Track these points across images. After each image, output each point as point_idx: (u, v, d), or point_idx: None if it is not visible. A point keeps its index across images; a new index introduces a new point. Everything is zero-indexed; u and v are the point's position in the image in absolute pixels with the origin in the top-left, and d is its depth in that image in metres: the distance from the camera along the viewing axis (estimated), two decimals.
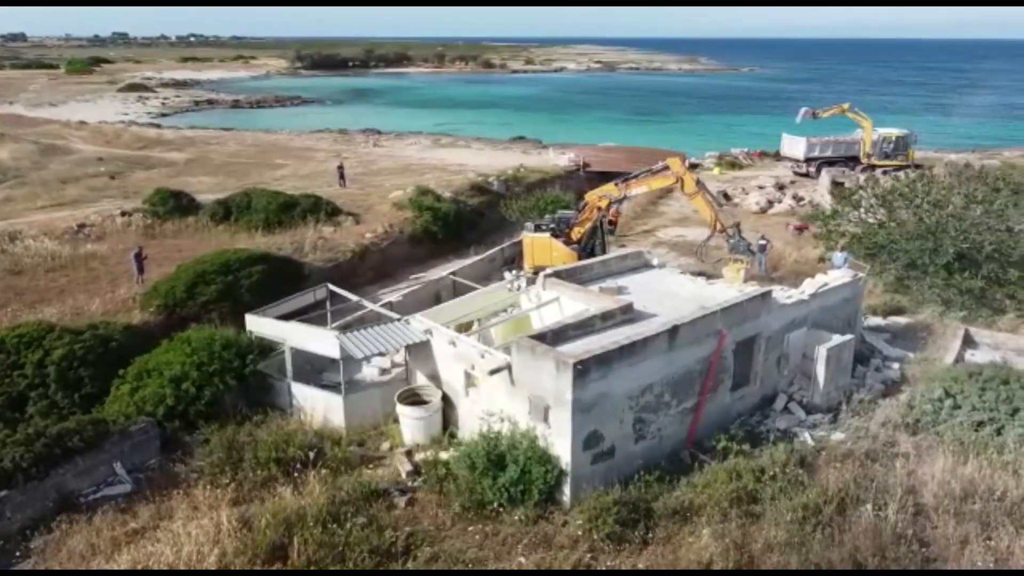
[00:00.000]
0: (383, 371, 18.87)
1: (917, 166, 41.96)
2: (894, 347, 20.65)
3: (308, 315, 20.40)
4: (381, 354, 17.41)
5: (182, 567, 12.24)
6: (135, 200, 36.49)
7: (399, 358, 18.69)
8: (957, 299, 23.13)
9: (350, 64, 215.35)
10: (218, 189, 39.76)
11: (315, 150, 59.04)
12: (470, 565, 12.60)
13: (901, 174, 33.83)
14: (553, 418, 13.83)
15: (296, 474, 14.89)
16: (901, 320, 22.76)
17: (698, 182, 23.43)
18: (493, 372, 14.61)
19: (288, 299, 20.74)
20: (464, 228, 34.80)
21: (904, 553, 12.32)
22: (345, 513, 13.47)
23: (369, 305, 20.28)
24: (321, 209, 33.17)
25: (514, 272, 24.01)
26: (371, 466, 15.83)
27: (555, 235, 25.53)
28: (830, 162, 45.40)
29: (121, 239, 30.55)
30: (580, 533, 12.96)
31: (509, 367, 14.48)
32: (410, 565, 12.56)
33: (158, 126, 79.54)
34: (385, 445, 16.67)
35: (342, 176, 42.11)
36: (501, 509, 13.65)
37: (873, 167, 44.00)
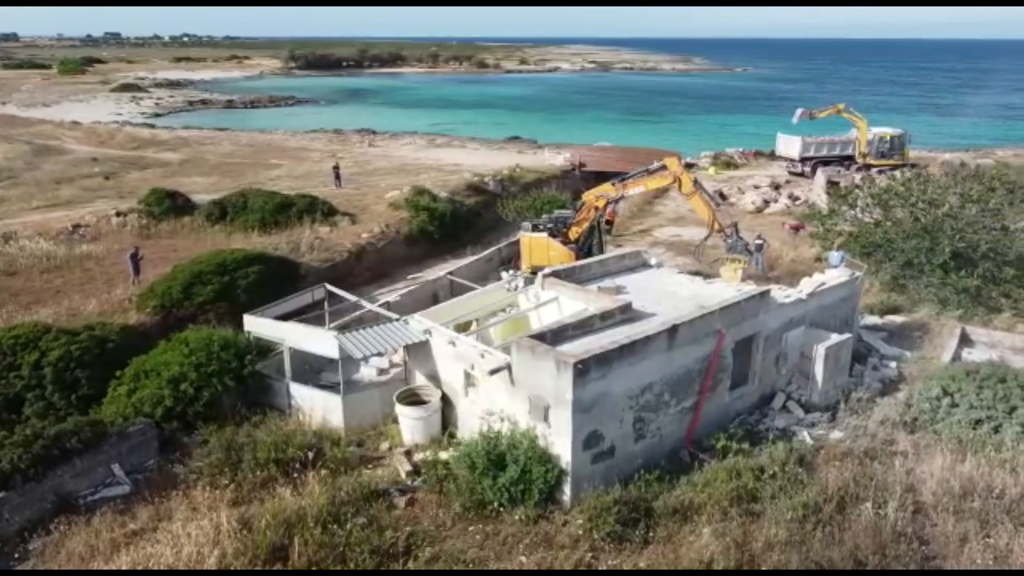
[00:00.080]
0: (381, 371, 18.83)
1: (912, 165, 42.11)
2: (891, 346, 20.71)
3: (306, 315, 20.37)
4: (379, 354, 17.39)
5: (182, 568, 12.18)
6: (130, 200, 36.40)
7: (397, 358, 18.66)
8: (953, 298, 23.21)
9: (344, 64, 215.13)
10: (213, 189, 39.67)
11: (310, 150, 58.94)
12: (471, 565, 12.58)
13: (897, 173, 33.94)
14: (553, 418, 13.82)
15: (295, 475, 14.84)
16: (898, 319, 22.82)
17: (695, 182, 23.47)
18: (493, 372, 14.60)
19: (286, 299, 20.71)
20: (460, 228, 34.79)
21: (904, 551, 12.35)
22: (345, 513, 13.44)
23: (367, 305, 20.25)
24: (317, 209, 33.15)
25: (511, 272, 24.02)
26: (370, 466, 15.80)
27: (552, 235, 25.52)
28: (825, 161, 45.54)
29: (116, 239, 30.49)
30: (581, 533, 12.95)
31: (509, 367, 14.46)
32: (411, 565, 12.54)
33: (152, 126, 79.29)
34: (384, 445, 16.64)
35: (338, 176, 42.06)
36: (501, 509, 13.63)
37: (868, 166, 44.15)
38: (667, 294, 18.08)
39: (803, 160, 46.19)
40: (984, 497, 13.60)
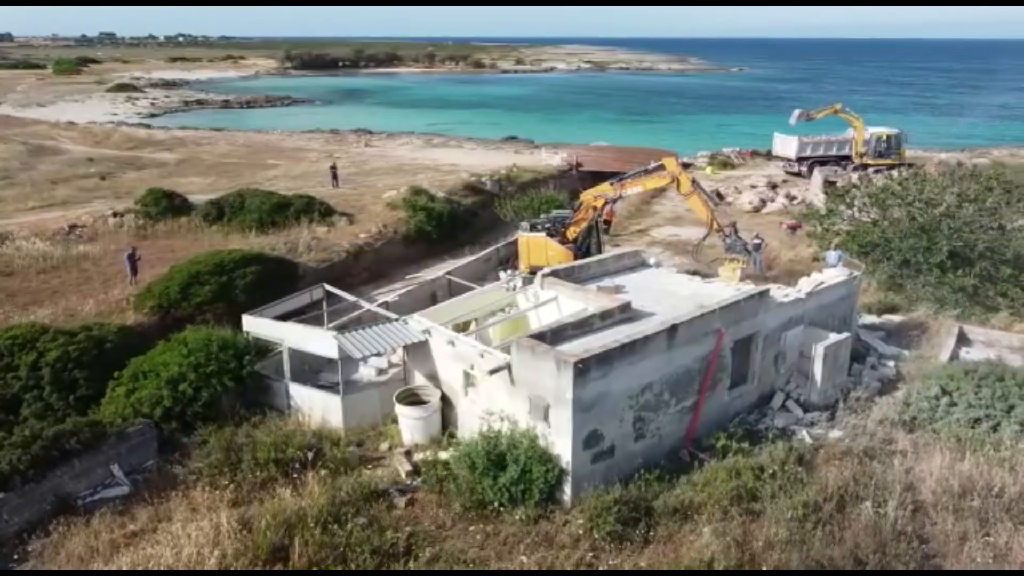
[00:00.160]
0: (380, 371, 18.81)
1: (909, 165, 42.22)
2: (889, 345, 20.75)
3: (304, 315, 20.35)
4: (378, 354, 17.37)
5: (182, 569, 12.16)
6: (127, 201, 36.33)
7: (396, 358, 18.65)
8: (950, 297, 23.29)
9: (340, 64, 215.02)
10: (210, 189, 39.61)
11: (307, 150, 58.87)
12: (471, 565, 12.57)
13: (895, 172, 34.03)
14: (553, 417, 13.82)
15: (295, 475, 14.82)
16: (895, 318, 22.87)
17: (694, 181, 23.50)
18: (493, 372, 14.59)
19: (285, 299, 20.68)
20: (458, 228, 34.77)
21: (904, 550, 12.36)
22: (345, 514, 13.44)
23: (366, 305, 20.23)
24: (315, 209, 33.11)
25: (509, 272, 24.03)
26: (370, 466, 15.78)
27: (551, 235, 25.53)
28: (822, 161, 45.64)
29: (113, 240, 30.41)
30: (581, 532, 12.95)
31: (509, 366, 14.46)
32: (411, 565, 12.53)
33: (148, 126, 79.15)
34: (384, 445, 16.62)
35: (335, 176, 42.01)
36: (502, 509, 13.63)
37: (865, 166, 44.28)
38: (666, 293, 18.09)
39: (800, 160, 46.30)
40: (983, 495, 13.62)
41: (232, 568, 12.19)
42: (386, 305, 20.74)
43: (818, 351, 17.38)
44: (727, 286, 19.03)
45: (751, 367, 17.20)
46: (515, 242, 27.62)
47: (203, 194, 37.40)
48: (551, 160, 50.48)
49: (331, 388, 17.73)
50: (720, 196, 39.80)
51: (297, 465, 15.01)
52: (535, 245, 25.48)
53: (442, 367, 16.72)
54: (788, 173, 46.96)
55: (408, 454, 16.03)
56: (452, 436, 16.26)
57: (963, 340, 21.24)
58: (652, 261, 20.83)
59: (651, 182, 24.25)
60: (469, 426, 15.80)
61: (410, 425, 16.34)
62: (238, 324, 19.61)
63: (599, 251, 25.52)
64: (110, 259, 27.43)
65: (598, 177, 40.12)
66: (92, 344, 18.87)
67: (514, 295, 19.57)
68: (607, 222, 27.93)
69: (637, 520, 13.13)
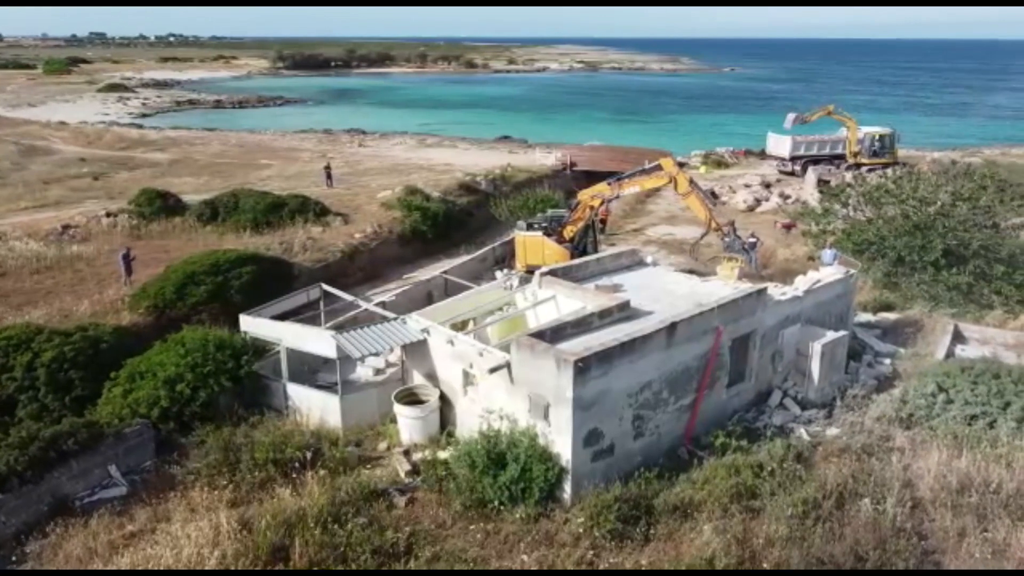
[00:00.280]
0: (377, 371, 18.77)
1: (902, 164, 42.42)
2: (885, 343, 20.84)
3: (301, 315, 20.30)
4: (376, 354, 17.34)
5: (183, 569, 12.11)
6: (120, 201, 36.18)
7: (393, 357, 18.62)
8: (945, 295, 23.43)
9: (332, 64, 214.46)
10: (203, 190, 39.48)
11: (300, 150, 58.74)
12: (472, 564, 12.56)
13: (889, 171, 34.20)
14: (553, 416, 13.82)
15: (294, 475, 14.77)
16: (891, 316, 22.97)
17: (691, 181, 23.54)
18: (493, 370, 14.58)
19: (281, 299, 20.61)
20: (453, 228, 34.76)
21: (904, 546, 12.39)
22: (345, 514, 13.40)
23: (364, 305, 20.19)
24: (309, 209, 33.03)
25: (506, 271, 24.03)
26: (369, 466, 15.74)
27: (547, 234, 25.55)
28: (815, 160, 45.80)
29: (107, 240, 30.26)
30: (582, 531, 12.94)
31: (508, 365, 14.45)
32: (412, 565, 12.50)
33: (140, 126, 78.84)
34: (383, 445, 16.58)
35: (329, 176, 41.94)
36: (502, 507, 13.61)
37: (859, 165, 44.45)
38: (664, 292, 18.13)
39: (793, 159, 46.47)
40: (981, 492, 13.67)
41: (232, 568, 12.14)
42: (383, 305, 20.69)
43: (815, 349, 17.44)
44: (724, 284, 19.09)
45: (749, 365, 17.23)
46: (511, 241, 27.63)
47: (197, 194, 37.28)
48: (545, 160, 50.51)
49: (329, 388, 17.69)
50: (714, 195, 39.86)
51: (296, 465, 14.96)
52: (532, 244, 25.49)
53: (441, 366, 16.70)
54: (782, 172, 47.13)
55: (407, 453, 16.00)
56: (451, 435, 16.24)
57: (958, 338, 21.34)
58: (649, 260, 20.86)
59: (649, 182, 24.29)
60: (468, 425, 15.78)
61: (409, 424, 16.31)
62: (234, 324, 19.54)
63: (595, 250, 25.55)
64: (104, 259, 27.29)
65: (592, 176, 40.16)
66: (87, 344, 18.74)
67: (512, 294, 19.56)
68: (603, 221, 27.95)
69: (637, 518, 13.14)
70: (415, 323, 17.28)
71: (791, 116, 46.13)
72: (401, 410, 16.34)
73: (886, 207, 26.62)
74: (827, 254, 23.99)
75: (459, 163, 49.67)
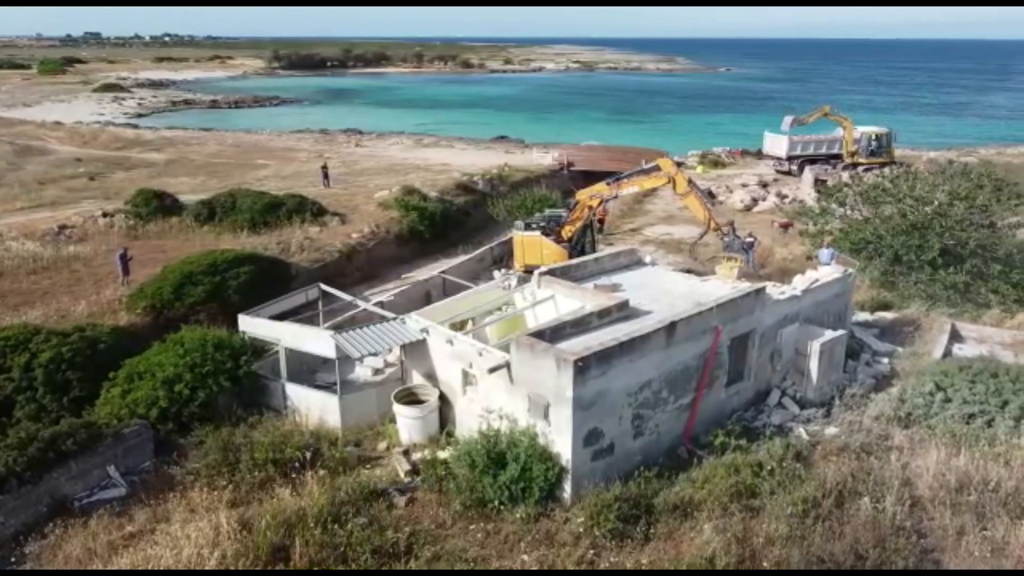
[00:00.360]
0: (376, 371, 18.77)
1: (899, 164, 42.54)
2: (883, 342, 20.87)
3: (299, 315, 20.27)
4: (374, 354, 17.33)
5: (183, 569, 12.09)
6: (116, 201, 36.10)
7: (391, 357, 18.62)
8: (942, 294, 23.49)
9: (328, 64, 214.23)
10: (200, 190, 39.43)
11: (297, 150, 58.69)
12: (472, 564, 12.55)
13: (887, 170, 34.29)
14: (553, 415, 13.82)
15: (294, 475, 14.76)
16: (888, 315, 23.01)
17: (690, 181, 23.55)
18: (492, 370, 14.57)
19: (280, 299, 20.59)
20: (451, 228, 34.75)
21: (903, 545, 12.42)
22: (345, 514, 13.39)
23: (363, 304, 20.17)
24: (307, 209, 33.01)
25: (503, 271, 24.02)
26: (369, 466, 15.74)
27: (545, 233, 25.55)
28: (812, 160, 45.90)
29: (104, 240, 30.20)
30: (582, 530, 12.94)
31: (508, 365, 14.45)
32: (412, 565, 12.50)
33: (136, 127, 78.67)
34: (382, 445, 16.58)
35: (326, 176, 41.92)
36: (502, 507, 13.61)
37: (855, 165, 44.57)
38: (662, 292, 18.14)
39: (790, 159, 46.56)
40: (980, 490, 13.72)
41: (233, 569, 12.12)
42: (381, 305, 20.67)
43: (814, 348, 17.47)
44: (723, 284, 19.11)
45: (748, 364, 17.25)
46: (509, 241, 27.64)
47: (193, 194, 37.23)
48: (542, 159, 50.53)
49: (328, 388, 17.67)
50: (711, 195, 39.94)
51: (296, 465, 14.94)
52: (530, 244, 25.49)
53: (440, 366, 16.69)
54: (778, 172, 47.22)
55: (406, 453, 15.99)
56: (450, 435, 16.24)
57: (956, 337, 21.39)
58: (648, 259, 20.87)
59: (648, 182, 24.29)
60: (467, 425, 15.77)
61: (408, 424, 16.30)
62: (231, 324, 19.52)
63: (593, 250, 25.57)
64: (101, 260, 27.24)
65: (589, 176, 40.19)
66: (85, 345, 18.69)
67: (511, 294, 19.56)
68: (601, 221, 27.96)
69: (637, 517, 13.15)
70: (414, 323, 17.27)
71: (788, 119, 46.35)
72: (400, 410, 16.33)
73: (883, 206, 26.67)
74: (824, 253, 24.00)
75: (456, 163, 49.68)
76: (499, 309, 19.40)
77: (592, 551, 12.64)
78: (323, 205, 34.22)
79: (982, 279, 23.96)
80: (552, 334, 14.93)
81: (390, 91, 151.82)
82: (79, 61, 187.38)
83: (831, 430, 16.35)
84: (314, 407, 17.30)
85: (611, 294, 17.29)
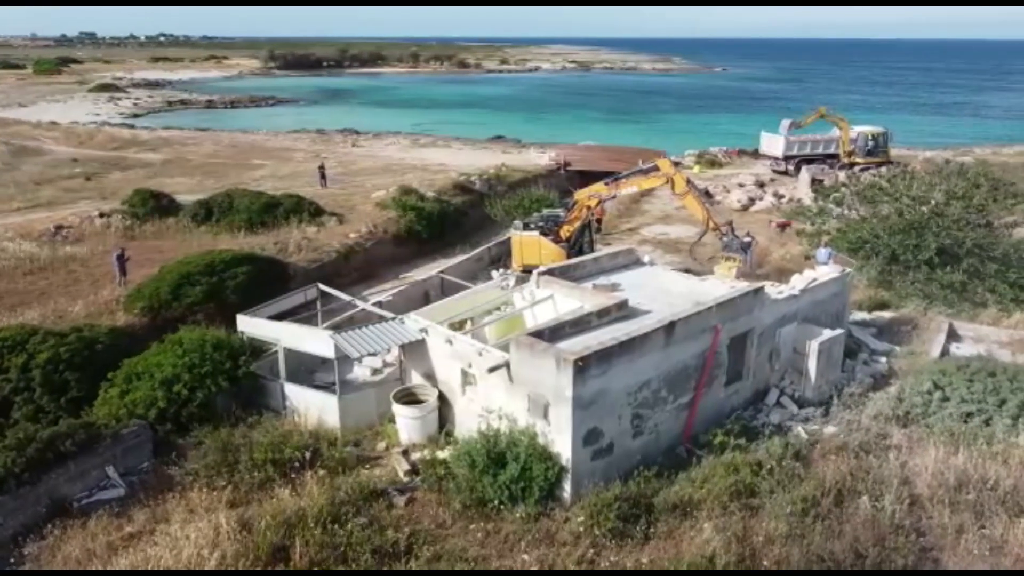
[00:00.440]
0: (375, 371, 18.76)
1: (895, 164, 42.64)
2: (880, 341, 20.92)
3: (298, 315, 20.26)
4: (373, 354, 17.33)
5: (183, 569, 12.07)
6: (113, 201, 36.06)
7: (390, 357, 18.61)
8: (939, 293, 23.54)
9: (324, 64, 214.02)
10: (197, 190, 39.39)
11: (293, 150, 58.63)
12: (472, 564, 12.55)
13: (883, 170, 34.37)
14: (553, 415, 13.83)
15: (293, 475, 14.74)
16: (886, 315, 23.04)
17: (688, 181, 23.56)
18: (492, 370, 14.57)
19: (279, 299, 20.57)
20: (448, 228, 34.75)
21: (903, 543, 12.47)
22: (345, 514, 13.37)
23: (362, 304, 20.15)
24: (304, 209, 33.02)
25: (502, 271, 24.02)
26: (368, 466, 15.72)
27: (544, 233, 25.54)
28: (809, 160, 45.98)
29: (100, 241, 30.18)
30: (582, 529, 12.93)
31: (508, 365, 14.45)
32: (412, 565, 12.49)
33: (132, 127, 78.51)
34: (381, 445, 16.56)
35: (323, 176, 41.89)
36: (502, 507, 13.60)
37: (852, 164, 44.66)
38: (661, 291, 18.15)
39: (787, 158, 46.61)
40: (978, 489, 13.76)
41: (233, 569, 12.11)
42: (379, 305, 20.66)
43: (813, 347, 17.50)
44: (721, 283, 19.14)
45: (746, 364, 17.27)
46: (506, 241, 27.62)
47: (190, 194, 37.18)
48: (539, 159, 50.54)
49: (327, 388, 17.66)
50: (709, 195, 39.97)
51: (296, 465, 14.92)
52: (528, 244, 25.49)
53: (439, 366, 16.68)
54: (775, 172, 47.27)
55: (406, 453, 15.98)
56: (449, 435, 16.24)
57: (953, 336, 21.44)
58: (646, 259, 20.88)
59: (646, 182, 24.30)
60: (467, 425, 15.77)
61: (408, 424, 16.29)
62: (229, 325, 19.49)
63: (591, 250, 25.57)
64: (98, 260, 27.21)
65: (586, 176, 40.21)
66: (83, 345, 18.67)
67: (509, 294, 19.56)
68: (599, 220, 27.98)
69: (637, 517, 13.16)
70: (413, 323, 17.26)
71: (786, 123, 46.59)
72: (400, 410, 16.32)
73: (880, 205, 26.74)
74: (822, 253, 24.08)
75: (453, 163, 49.68)
76: (498, 309, 19.41)
77: (592, 550, 12.64)
78: (320, 205, 34.21)
79: (979, 278, 24.03)
80: (551, 334, 14.94)
81: (386, 91, 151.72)
82: (74, 61, 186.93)
83: (830, 429, 16.39)
84: (313, 407, 17.28)
85: (610, 294, 17.30)
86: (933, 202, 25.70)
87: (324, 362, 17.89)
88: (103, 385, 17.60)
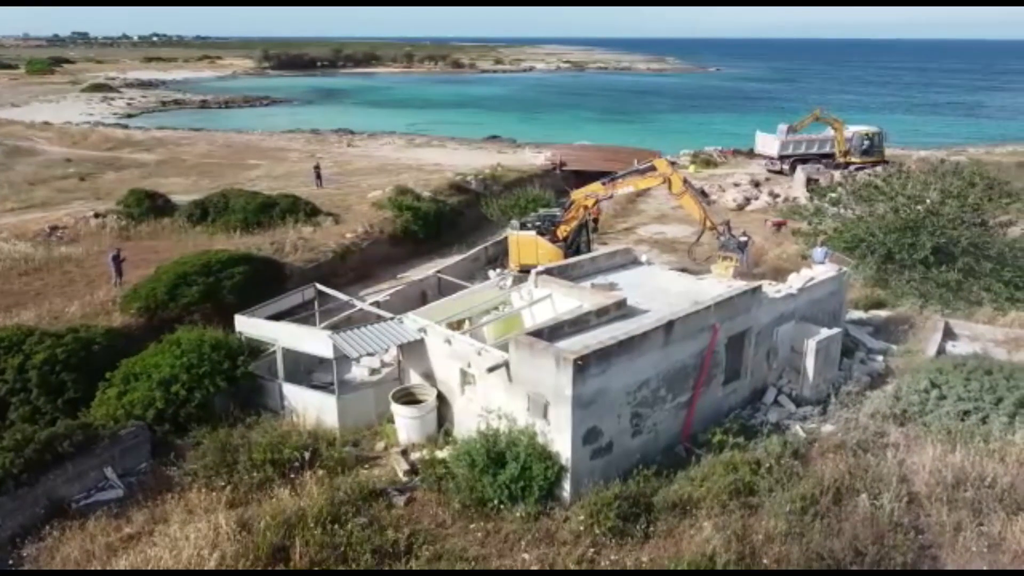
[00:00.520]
0: (373, 371, 18.75)
1: (889, 163, 42.78)
2: (877, 340, 20.98)
3: (295, 315, 20.22)
4: (372, 354, 17.31)
5: (182, 569, 12.04)
6: (107, 201, 35.95)
7: (388, 357, 18.59)
8: (935, 292, 23.63)
9: (318, 64, 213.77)
10: (192, 190, 39.30)
11: (288, 150, 58.50)
12: (473, 563, 12.54)
13: (879, 169, 34.49)
14: (552, 414, 13.83)
15: (293, 476, 14.72)
16: (882, 313, 23.11)
17: (685, 181, 23.57)
18: (491, 369, 14.57)
19: (276, 299, 20.52)
20: (445, 227, 34.74)
21: (901, 541, 12.51)
22: (345, 514, 13.36)
23: (360, 304, 20.12)
24: (300, 209, 32.97)
25: (499, 271, 24.02)
26: (367, 466, 15.69)
27: (541, 233, 25.52)
28: (804, 159, 46.12)
29: (96, 241, 30.08)
30: (582, 528, 12.94)
31: (507, 364, 14.45)
32: (412, 564, 12.49)
33: (125, 127, 78.32)
34: (380, 445, 16.55)
35: (319, 176, 41.83)
36: (501, 506, 13.60)
37: (847, 164, 44.81)
38: (659, 290, 18.18)
39: (782, 158, 46.75)
40: (976, 486, 13.82)
41: (233, 569, 12.09)
42: (377, 304, 20.63)
43: (810, 346, 17.53)
44: (718, 283, 19.18)
45: (744, 363, 17.31)
46: (503, 241, 27.59)
47: (185, 194, 37.09)
48: (535, 159, 50.58)
49: (325, 388, 17.63)
50: (704, 194, 39.92)
51: (295, 465, 14.90)
52: (525, 244, 25.47)
53: (438, 366, 16.67)
54: (770, 171, 47.39)
55: (405, 453, 15.97)
56: (448, 435, 16.23)
57: (949, 334, 21.52)
58: (644, 258, 20.91)
59: (643, 182, 24.30)
60: (466, 424, 15.77)
61: (407, 424, 16.27)
62: (226, 325, 19.45)
63: (588, 249, 25.57)
64: (93, 260, 27.11)
65: (582, 176, 40.26)
66: (79, 346, 18.61)
67: (507, 293, 19.56)
68: (595, 220, 27.98)
69: (637, 515, 13.18)
70: (412, 323, 17.25)
71: (783, 127, 46.82)
72: (399, 410, 16.30)
73: (876, 204, 26.83)
74: (818, 252, 24.13)
75: (448, 163, 49.66)
76: (496, 309, 19.40)
77: (592, 549, 12.65)
78: (316, 205, 34.17)
79: (974, 277, 24.14)
80: (550, 333, 14.95)
81: (381, 91, 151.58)
82: (67, 61, 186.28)
83: (827, 427, 16.44)
84: (311, 407, 17.25)
85: (609, 293, 17.32)
86: (928, 201, 25.78)
87: (322, 362, 17.86)
88: (101, 386, 17.55)
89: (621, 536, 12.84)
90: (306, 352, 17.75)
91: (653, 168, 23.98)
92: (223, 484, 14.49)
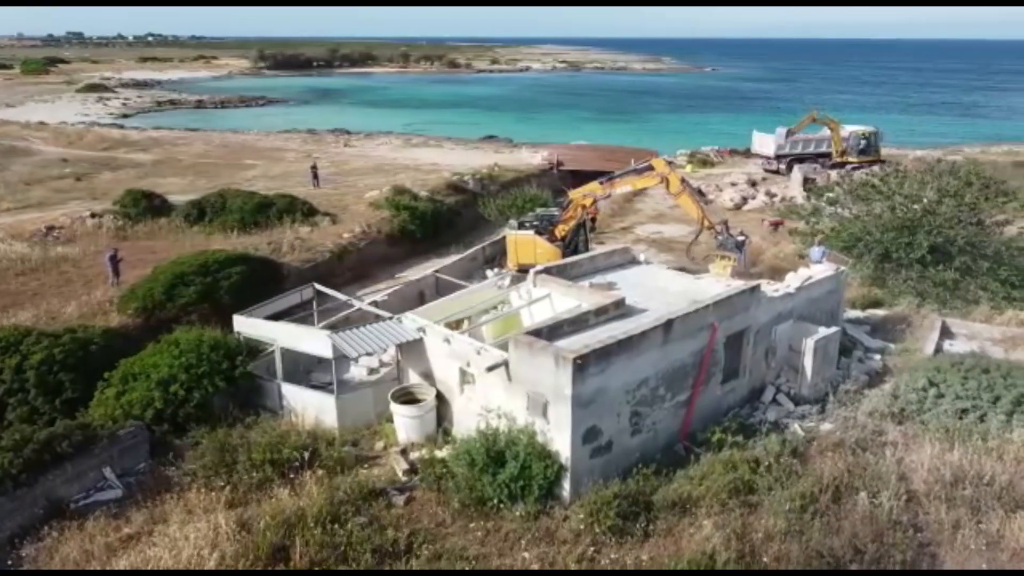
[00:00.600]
0: (371, 371, 18.74)
1: (886, 163, 42.88)
2: (875, 339, 21.03)
3: (293, 315, 20.19)
4: (370, 353, 17.30)
5: (182, 569, 12.02)
6: (104, 201, 35.88)
7: (387, 357, 18.58)
8: (932, 291, 23.69)
9: (314, 64, 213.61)
10: (189, 190, 39.25)
11: (285, 150, 58.46)
12: (473, 562, 12.54)
13: (876, 168, 34.58)
14: (552, 413, 13.84)
15: (292, 475, 14.70)
16: (879, 312, 23.16)
17: (683, 181, 23.61)
18: (491, 369, 14.57)
19: (275, 299, 20.48)
20: (442, 227, 34.74)
21: (900, 539, 12.54)
22: (345, 513, 13.34)
23: (358, 304, 20.10)
24: (297, 209, 32.94)
25: (496, 270, 24.02)
26: (367, 466, 15.67)
27: (539, 233, 25.54)
28: (800, 159, 46.23)
29: (92, 241, 30.03)
30: (582, 527, 12.94)
31: (506, 363, 14.45)
32: (413, 564, 12.47)
33: (121, 127, 78.16)
34: (379, 444, 16.53)
35: (316, 176, 41.80)
36: (501, 505, 13.60)
37: (843, 164, 44.93)
38: (657, 290, 18.20)
39: (779, 158, 46.86)
40: (974, 484, 13.85)
41: (233, 569, 12.07)
42: (375, 304, 20.62)
43: (808, 345, 17.56)
44: (716, 282, 19.20)
45: (743, 361, 17.32)
46: (501, 241, 27.60)
47: (182, 194, 37.04)
48: (532, 159, 50.58)
49: (324, 388, 17.62)
50: (701, 194, 40.08)
51: (295, 465, 14.88)
52: (523, 243, 25.48)
53: (437, 365, 16.67)
54: (767, 171, 47.51)
55: (404, 453, 15.95)
56: (447, 434, 16.23)
57: (946, 333, 21.57)
58: (642, 258, 20.93)
59: (640, 181, 24.34)
60: (465, 424, 15.77)
61: (406, 424, 16.27)
62: (224, 325, 19.42)
63: (586, 249, 25.60)
64: (90, 261, 27.07)
65: (579, 176, 40.27)
66: (77, 346, 18.58)
67: (506, 293, 19.57)
68: (593, 219, 28.03)
69: (637, 514, 13.19)
70: (410, 322, 17.24)
71: (782, 130, 46.96)
72: (398, 409, 16.29)
73: (873, 203, 26.90)
74: (816, 251, 24.19)
75: (445, 162, 49.66)
76: (494, 308, 19.41)
77: (592, 548, 12.65)
78: (313, 205, 34.15)
79: (971, 276, 24.21)
80: (550, 332, 14.95)
81: (377, 91, 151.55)
82: (62, 61, 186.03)
83: (826, 426, 16.46)
84: (310, 407, 17.23)
85: (607, 292, 17.33)
86: (925, 200, 25.86)
87: (321, 362, 17.84)
88: (99, 386, 17.51)
89: (621, 535, 12.84)
90: (305, 352, 17.73)
91: (651, 167, 24.03)
92: (222, 484, 14.46)
